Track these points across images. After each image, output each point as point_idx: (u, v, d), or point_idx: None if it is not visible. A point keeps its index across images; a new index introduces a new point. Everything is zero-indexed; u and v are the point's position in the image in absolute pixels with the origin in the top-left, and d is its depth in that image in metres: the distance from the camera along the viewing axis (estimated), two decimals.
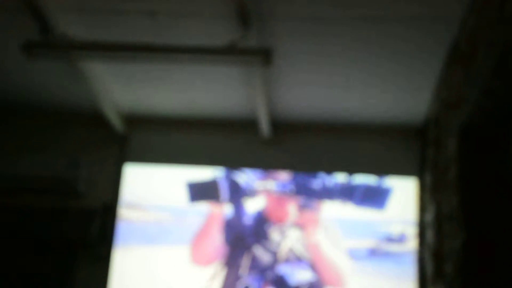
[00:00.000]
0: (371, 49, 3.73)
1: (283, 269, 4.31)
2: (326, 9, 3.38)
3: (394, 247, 4.46)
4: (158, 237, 4.61)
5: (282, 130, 4.84)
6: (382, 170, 4.66)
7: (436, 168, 3.95)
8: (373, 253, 4.45)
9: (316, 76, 4.14)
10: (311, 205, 4.40)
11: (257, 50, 3.52)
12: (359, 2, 3.32)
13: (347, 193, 4.39)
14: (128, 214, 4.70)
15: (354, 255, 4.46)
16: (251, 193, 4.48)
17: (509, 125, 2.94)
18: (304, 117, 4.76)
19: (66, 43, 3.62)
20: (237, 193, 4.47)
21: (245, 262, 4.34)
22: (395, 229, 4.50)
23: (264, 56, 3.49)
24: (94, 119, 4.76)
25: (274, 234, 4.37)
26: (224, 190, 4.50)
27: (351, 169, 4.68)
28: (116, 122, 4.81)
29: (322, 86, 4.27)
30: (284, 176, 4.53)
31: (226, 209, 4.50)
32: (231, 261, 4.39)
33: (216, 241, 4.44)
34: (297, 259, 4.34)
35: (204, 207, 4.58)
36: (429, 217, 4.10)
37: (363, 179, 4.44)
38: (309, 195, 4.41)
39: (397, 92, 4.27)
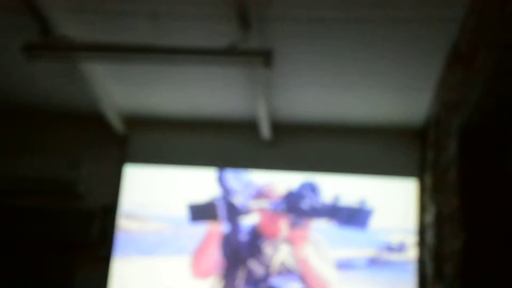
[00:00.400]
0: (371, 50, 3.73)
1: (275, 281, 4.58)
2: (326, 11, 3.38)
3: (394, 256, 4.57)
4: (158, 248, 4.75)
5: (283, 131, 4.85)
6: (382, 171, 4.67)
7: (436, 169, 3.95)
8: (373, 262, 4.57)
9: (316, 78, 4.14)
10: (301, 222, 4.66)
11: (257, 52, 3.52)
12: (359, 4, 3.32)
13: (332, 214, 4.64)
14: (127, 225, 4.80)
15: (354, 264, 4.57)
16: (246, 211, 4.75)
17: (509, 125, 2.93)
18: (304, 118, 4.77)
19: (66, 45, 3.63)
20: (234, 213, 4.75)
21: (241, 275, 4.63)
22: (395, 238, 4.59)
23: (264, 57, 3.50)
24: (94, 120, 4.76)
25: (267, 249, 4.65)
26: (221, 210, 4.76)
27: (352, 171, 4.69)
28: (116, 123, 4.81)
29: (322, 88, 4.27)
30: (276, 195, 4.76)
31: (224, 227, 4.75)
32: (228, 274, 4.67)
33: (215, 255, 4.71)
34: (288, 272, 4.60)
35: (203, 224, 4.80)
36: (430, 218, 4.10)
37: (347, 201, 4.65)
38: (299, 213, 4.68)
39: (397, 94, 4.27)
